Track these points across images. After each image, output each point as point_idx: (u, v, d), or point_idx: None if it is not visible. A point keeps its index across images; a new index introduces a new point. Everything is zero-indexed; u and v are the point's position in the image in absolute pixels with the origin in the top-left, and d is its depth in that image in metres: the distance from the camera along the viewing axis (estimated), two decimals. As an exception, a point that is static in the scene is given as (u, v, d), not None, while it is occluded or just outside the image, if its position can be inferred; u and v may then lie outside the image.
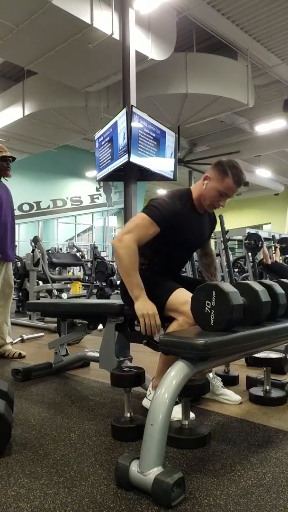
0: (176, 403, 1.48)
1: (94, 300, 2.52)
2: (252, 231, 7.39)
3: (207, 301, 1.18)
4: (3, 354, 2.56)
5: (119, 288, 1.72)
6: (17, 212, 7.36)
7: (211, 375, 1.70)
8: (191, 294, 1.32)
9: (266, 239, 8.98)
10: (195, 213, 1.62)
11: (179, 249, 1.65)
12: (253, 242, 4.32)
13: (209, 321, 1.18)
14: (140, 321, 1.39)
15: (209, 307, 1.18)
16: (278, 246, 5.32)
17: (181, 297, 1.41)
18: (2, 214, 2.49)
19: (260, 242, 4.22)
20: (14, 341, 2.94)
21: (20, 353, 2.56)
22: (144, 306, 1.39)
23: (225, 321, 1.16)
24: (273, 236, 7.33)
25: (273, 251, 5.30)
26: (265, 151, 9.78)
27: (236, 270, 7.02)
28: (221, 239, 4.66)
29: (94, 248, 6.33)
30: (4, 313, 2.59)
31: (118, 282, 2.05)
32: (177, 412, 1.36)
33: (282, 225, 14.53)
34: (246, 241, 4.43)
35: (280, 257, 5.42)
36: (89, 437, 1.34)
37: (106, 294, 5.76)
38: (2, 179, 2.57)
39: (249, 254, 5.08)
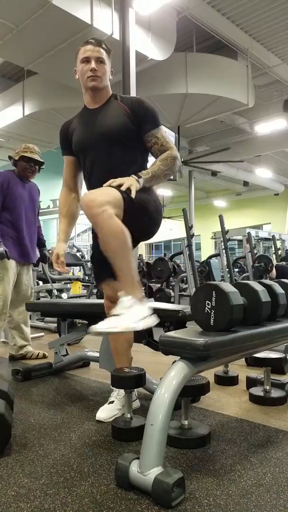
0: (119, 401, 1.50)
1: (94, 300, 2.52)
2: (252, 231, 7.38)
3: (207, 301, 1.18)
4: (24, 356, 2.53)
5: None
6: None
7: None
8: None
9: (266, 239, 8.99)
10: (87, 111, 1.52)
11: (80, 145, 1.50)
12: (263, 264, 4.27)
13: (209, 321, 1.18)
14: None
15: (209, 307, 1.18)
16: (285, 264, 5.36)
17: None
18: (15, 214, 2.43)
19: (271, 265, 4.19)
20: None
21: (44, 354, 2.54)
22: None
23: (225, 321, 1.16)
24: (273, 236, 7.33)
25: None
26: (265, 151, 9.78)
27: (236, 270, 7.02)
28: (221, 239, 4.66)
29: (94, 248, 6.30)
30: (24, 314, 2.55)
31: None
32: (111, 410, 1.47)
33: (282, 225, 14.52)
34: (256, 264, 4.38)
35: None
36: (89, 437, 1.34)
37: (106, 294, 5.73)
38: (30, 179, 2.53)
39: (249, 257, 5.07)
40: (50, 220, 12.38)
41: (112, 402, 1.51)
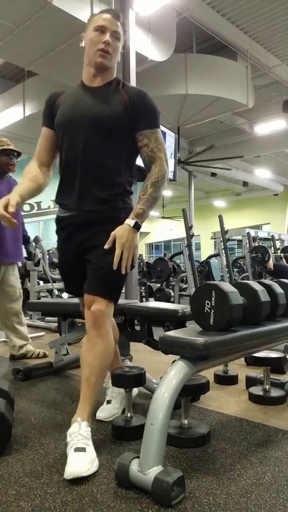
0: (108, 402, 1.50)
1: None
2: (252, 231, 7.39)
3: (206, 301, 1.19)
4: (25, 355, 2.53)
5: None
6: (18, 213, 7.37)
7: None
8: None
9: (266, 239, 8.99)
10: (83, 88, 1.34)
11: (65, 122, 1.30)
12: (260, 255, 4.31)
13: (208, 321, 1.19)
14: None
15: (209, 306, 1.18)
16: (282, 256, 5.36)
17: None
18: None
19: (268, 255, 4.23)
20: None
21: (44, 353, 2.55)
22: None
23: (224, 320, 1.16)
24: (272, 236, 7.34)
25: (277, 260, 5.33)
26: (265, 151, 9.78)
27: (235, 270, 7.02)
28: (221, 239, 4.67)
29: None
30: (16, 314, 2.54)
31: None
32: (110, 409, 1.46)
33: (281, 225, 14.52)
34: (253, 254, 4.43)
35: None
36: (89, 436, 1.34)
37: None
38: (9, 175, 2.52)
39: (249, 257, 5.09)
40: (51, 220, 12.37)
41: (109, 401, 1.51)
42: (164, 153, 1.30)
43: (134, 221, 1.22)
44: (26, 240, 2.78)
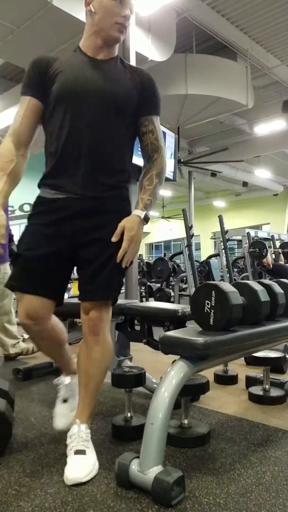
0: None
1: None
2: (252, 231, 7.40)
3: (206, 301, 1.19)
4: (20, 353, 2.51)
5: None
6: (18, 213, 7.37)
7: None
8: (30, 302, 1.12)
9: (265, 239, 9.01)
10: (87, 60, 1.18)
11: (62, 103, 1.14)
12: (257, 250, 4.32)
13: (208, 321, 1.19)
14: None
15: (209, 306, 1.19)
16: (280, 251, 5.35)
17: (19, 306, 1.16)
18: None
19: (265, 250, 4.24)
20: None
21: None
22: None
23: (224, 320, 1.17)
24: (272, 236, 7.35)
25: (276, 257, 5.31)
26: (265, 152, 9.80)
27: (235, 270, 7.03)
28: (221, 239, 4.68)
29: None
30: (6, 313, 2.52)
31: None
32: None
33: (281, 225, 14.53)
34: (251, 249, 4.44)
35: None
36: (89, 436, 1.34)
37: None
38: None
39: (249, 257, 5.10)
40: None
41: (66, 400, 1.34)
42: (163, 142, 1.26)
43: (144, 212, 1.16)
44: (10, 239, 2.74)
